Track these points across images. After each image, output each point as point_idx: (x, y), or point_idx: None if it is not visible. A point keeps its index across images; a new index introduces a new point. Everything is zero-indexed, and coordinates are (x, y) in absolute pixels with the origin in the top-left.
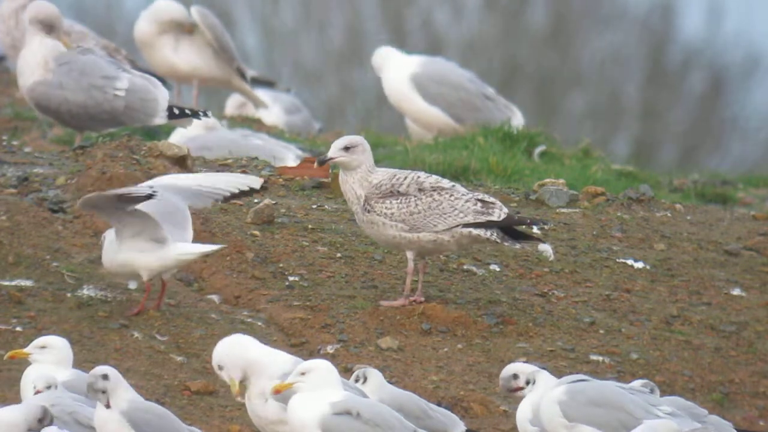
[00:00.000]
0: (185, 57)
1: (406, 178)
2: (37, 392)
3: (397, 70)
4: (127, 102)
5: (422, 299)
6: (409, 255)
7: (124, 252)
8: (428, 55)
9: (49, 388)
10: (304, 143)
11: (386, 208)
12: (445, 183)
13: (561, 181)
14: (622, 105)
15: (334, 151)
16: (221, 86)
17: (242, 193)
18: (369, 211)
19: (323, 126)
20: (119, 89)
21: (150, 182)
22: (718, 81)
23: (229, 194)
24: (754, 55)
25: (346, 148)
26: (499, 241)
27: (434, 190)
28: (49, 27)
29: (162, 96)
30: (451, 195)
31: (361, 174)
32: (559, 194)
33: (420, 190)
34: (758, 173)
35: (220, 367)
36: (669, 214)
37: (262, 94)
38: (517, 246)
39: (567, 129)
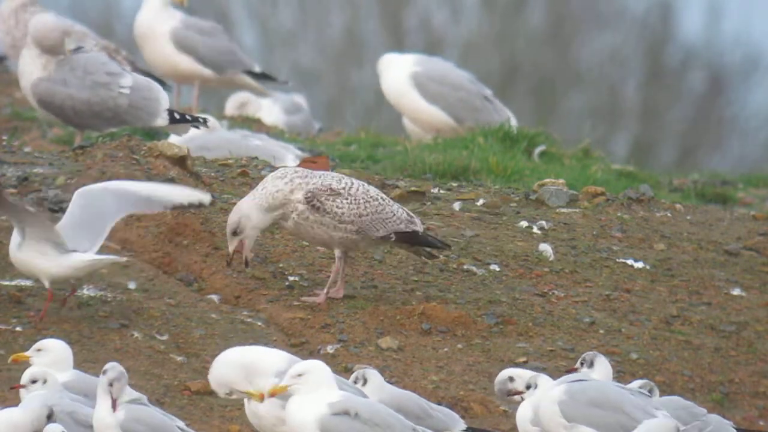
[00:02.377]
0: (186, 57)
1: (353, 184)
2: (21, 386)
3: (396, 68)
4: (131, 100)
5: (342, 293)
6: (338, 253)
7: (24, 251)
8: (426, 55)
9: (34, 382)
10: (304, 143)
11: (337, 207)
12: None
13: (561, 181)
14: (621, 105)
15: (231, 243)
16: (222, 86)
17: (191, 206)
18: (318, 209)
19: (323, 126)
20: (124, 87)
21: (101, 185)
22: (718, 81)
23: (179, 204)
24: (754, 54)
25: (234, 233)
26: (428, 250)
27: (377, 195)
28: (49, 52)
29: (163, 97)
30: (388, 201)
31: (257, 204)
32: (559, 194)
33: (365, 193)
34: (758, 173)
35: (231, 391)
36: (669, 214)
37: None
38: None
39: (566, 129)
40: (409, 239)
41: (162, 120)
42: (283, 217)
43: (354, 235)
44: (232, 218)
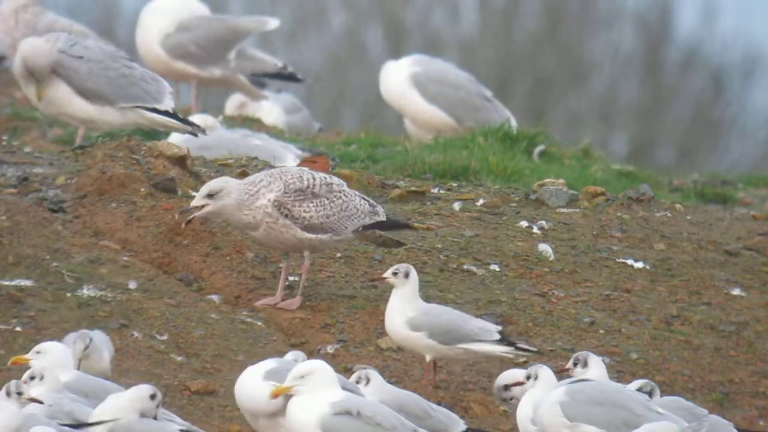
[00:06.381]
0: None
1: (315, 178)
2: (23, 382)
3: (395, 69)
4: (142, 72)
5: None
6: (307, 253)
7: None
8: (426, 55)
9: (33, 378)
10: (304, 143)
11: (304, 211)
12: (343, 185)
13: (561, 181)
14: (620, 104)
15: (199, 199)
16: (220, 86)
17: None
18: (286, 216)
19: (323, 126)
20: (133, 65)
21: None
22: (717, 80)
23: None
24: (753, 54)
25: (210, 195)
26: (391, 236)
27: (340, 191)
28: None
29: (166, 84)
30: (350, 196)
31: (238, 205)
32: (559, 194)
33: (329, 191)
34: (758, 173)
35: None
36: (669, 214)
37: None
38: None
39: (564, 129)
40: (376, 227)
41: (167, 104)
42: (252, 227)
43: (323, 236)
44: (224, 183)
